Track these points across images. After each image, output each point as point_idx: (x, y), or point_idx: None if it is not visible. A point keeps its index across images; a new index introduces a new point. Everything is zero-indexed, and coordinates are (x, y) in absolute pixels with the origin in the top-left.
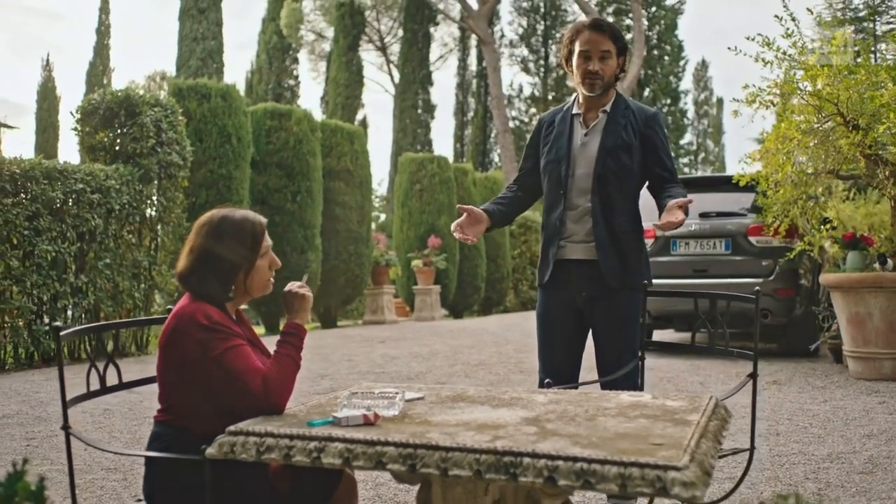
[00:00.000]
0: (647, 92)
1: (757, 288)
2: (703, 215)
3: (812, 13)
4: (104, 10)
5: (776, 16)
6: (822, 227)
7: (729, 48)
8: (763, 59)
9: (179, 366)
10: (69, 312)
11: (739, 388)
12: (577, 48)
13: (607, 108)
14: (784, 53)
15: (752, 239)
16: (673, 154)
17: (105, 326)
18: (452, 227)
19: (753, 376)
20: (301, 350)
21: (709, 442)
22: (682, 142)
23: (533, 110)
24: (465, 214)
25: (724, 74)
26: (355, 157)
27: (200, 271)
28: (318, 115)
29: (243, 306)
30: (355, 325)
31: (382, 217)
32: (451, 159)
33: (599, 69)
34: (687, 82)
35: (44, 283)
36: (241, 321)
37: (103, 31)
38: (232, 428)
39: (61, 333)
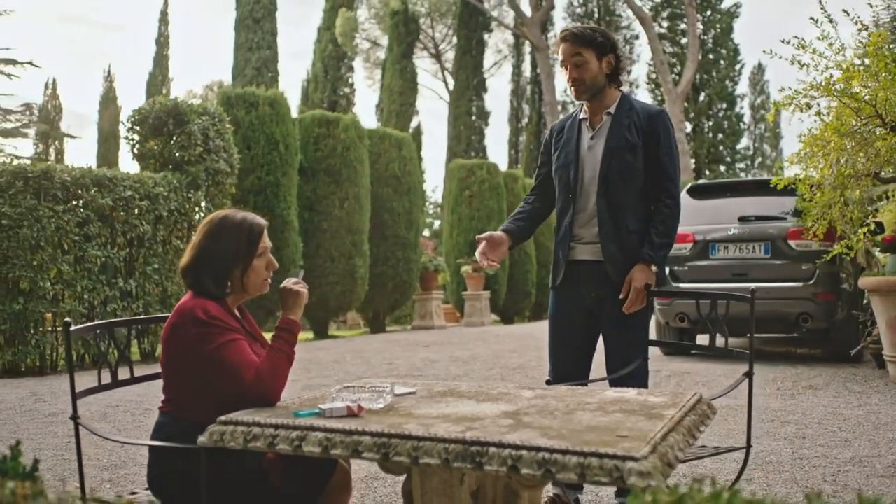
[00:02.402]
0: (702, 96)
1: (752, 288)
2: (743, 219)
3: (848, 14)
4: (163, 21)
5: (811, 18)
6: (860, 230)
7: (764, 51)
8: (799, 62)
9: (179, 359)
10: (118, 316)
11: (734, 387)
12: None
13: (611, 109)
14: (820, 55)
15: (792, 243)
16: (729, 159)
17: (115, 323)
18: (477, 256)
19: (749, 375)
20: (294, 345)
21: (679, 436)
22: (738, 146)
23: None
24: (483, 242)
25: (781, 78)
26: (403, 163)
27: (197, 267)
28: (374, 122)
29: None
30: (403, 331)
31: (437, 223)
32: (505, 166)
33: (577, 75)
34: (743, 86)
35: (94, 288)
36: (243, 316)
37: (162, 42)
38: (222, 418)
39: (71, 329)
